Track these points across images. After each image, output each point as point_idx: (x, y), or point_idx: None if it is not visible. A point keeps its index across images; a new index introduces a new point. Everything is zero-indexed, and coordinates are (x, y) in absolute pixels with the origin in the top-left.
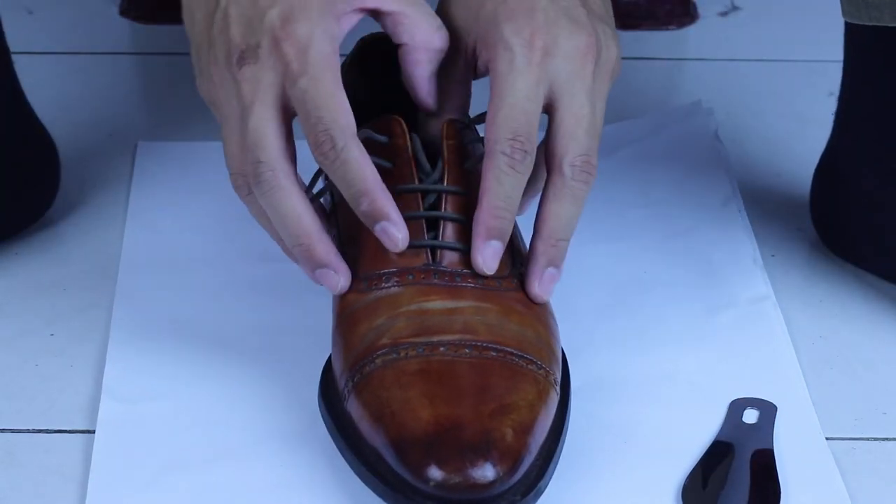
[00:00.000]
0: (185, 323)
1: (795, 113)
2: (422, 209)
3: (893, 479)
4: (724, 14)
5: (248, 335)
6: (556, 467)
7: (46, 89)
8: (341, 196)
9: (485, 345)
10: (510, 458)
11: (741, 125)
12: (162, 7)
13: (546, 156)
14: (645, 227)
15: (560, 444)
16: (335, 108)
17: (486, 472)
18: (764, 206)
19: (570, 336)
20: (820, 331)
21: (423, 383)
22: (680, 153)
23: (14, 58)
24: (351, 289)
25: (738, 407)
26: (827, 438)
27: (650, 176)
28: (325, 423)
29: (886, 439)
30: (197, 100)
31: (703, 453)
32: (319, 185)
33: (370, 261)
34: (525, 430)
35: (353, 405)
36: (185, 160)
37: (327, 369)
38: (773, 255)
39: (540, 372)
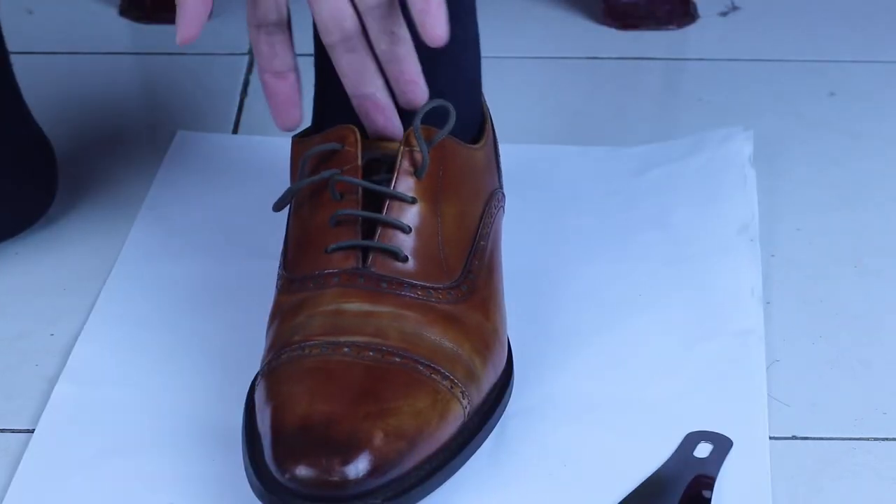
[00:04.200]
0: (166, 315)
1: (795, 113)
2: (359, 208)
3: (893, 479)
4: (724, 14)
5: (224, 331)
6: (442, 483)
7: (46, 89)
8: (296, 204)
9: (391, 350)
10: (374, 461)
11: (741, 125)
12: (162, 7)
13: None
14: (653, 250)
15: (458, 462)
16: None
17: (344, 470)
18: (764, 206)
19: (545, 354)
20: (820, 331)
21: (312, 380)
22: (708, 177)
23: (14, 58)
24: (284, 290)
25: (691, 440)
26: (827, 438)
27: (673, 199)
28: (244, 414)
29: (886, 439)
30: (196, 99)
31: (639, 483)
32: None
33: (305, 264)
34: (401, 435)
35: (256, 395)
36: (214, 153)
37: None
38: (772, 256)
39: (444, 383)
